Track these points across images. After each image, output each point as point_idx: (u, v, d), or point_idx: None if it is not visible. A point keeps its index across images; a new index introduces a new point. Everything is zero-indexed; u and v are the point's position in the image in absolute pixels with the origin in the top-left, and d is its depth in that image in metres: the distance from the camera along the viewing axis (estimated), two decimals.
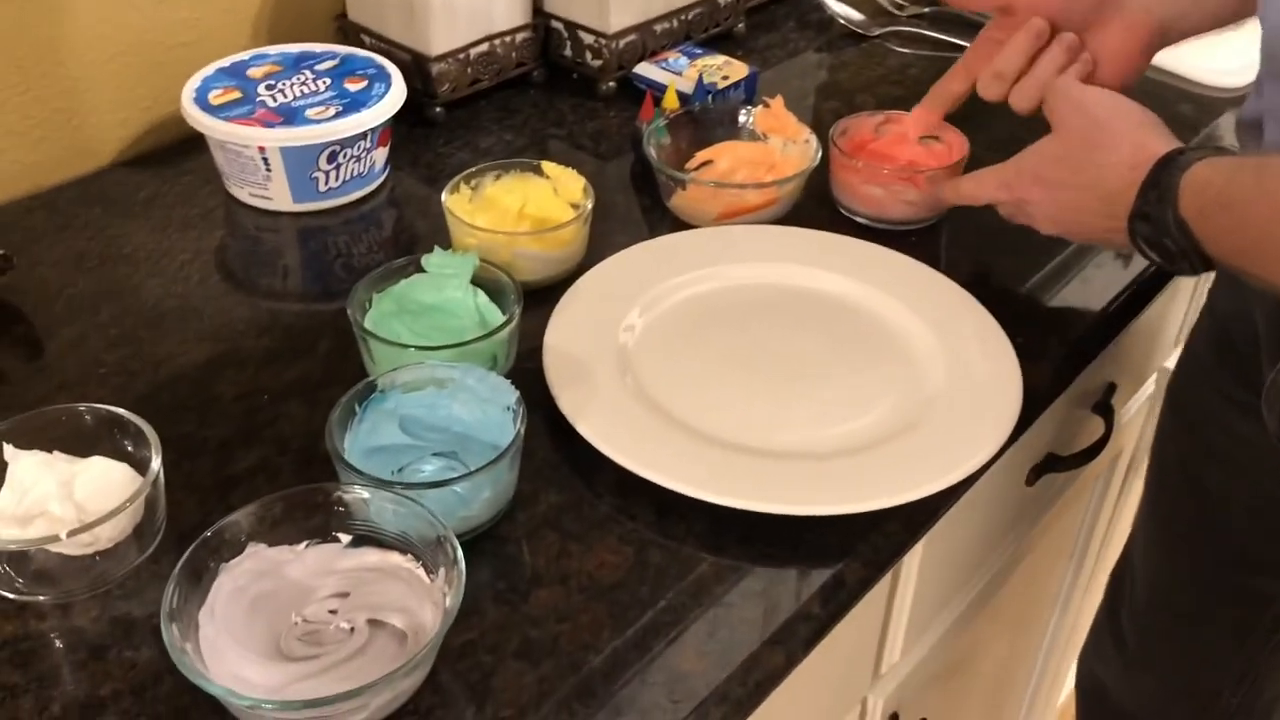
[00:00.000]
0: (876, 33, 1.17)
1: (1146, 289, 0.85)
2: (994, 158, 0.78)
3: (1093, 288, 0.83)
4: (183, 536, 0.61)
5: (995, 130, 0.84)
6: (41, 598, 0.58)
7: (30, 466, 0.59)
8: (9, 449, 0.60)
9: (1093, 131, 0.69)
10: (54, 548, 0.58)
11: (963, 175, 0.80)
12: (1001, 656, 1.09)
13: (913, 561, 0.77)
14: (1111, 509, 1.24)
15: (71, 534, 0.56)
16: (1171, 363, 1.15)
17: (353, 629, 0.55)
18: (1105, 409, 0.98)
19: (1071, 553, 1.23)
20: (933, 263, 0.81)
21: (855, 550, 0.63)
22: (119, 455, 0.62)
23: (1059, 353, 0.77)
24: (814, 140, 0.89)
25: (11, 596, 0.58)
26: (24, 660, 0.56)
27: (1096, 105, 0.70)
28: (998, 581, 0.97)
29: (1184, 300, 1.12)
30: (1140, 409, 1.15)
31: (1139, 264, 0.85)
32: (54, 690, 0.54)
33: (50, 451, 0.61)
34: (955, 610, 0.92)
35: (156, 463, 0.60)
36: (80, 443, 0.62)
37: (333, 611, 0.56)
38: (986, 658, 1.00)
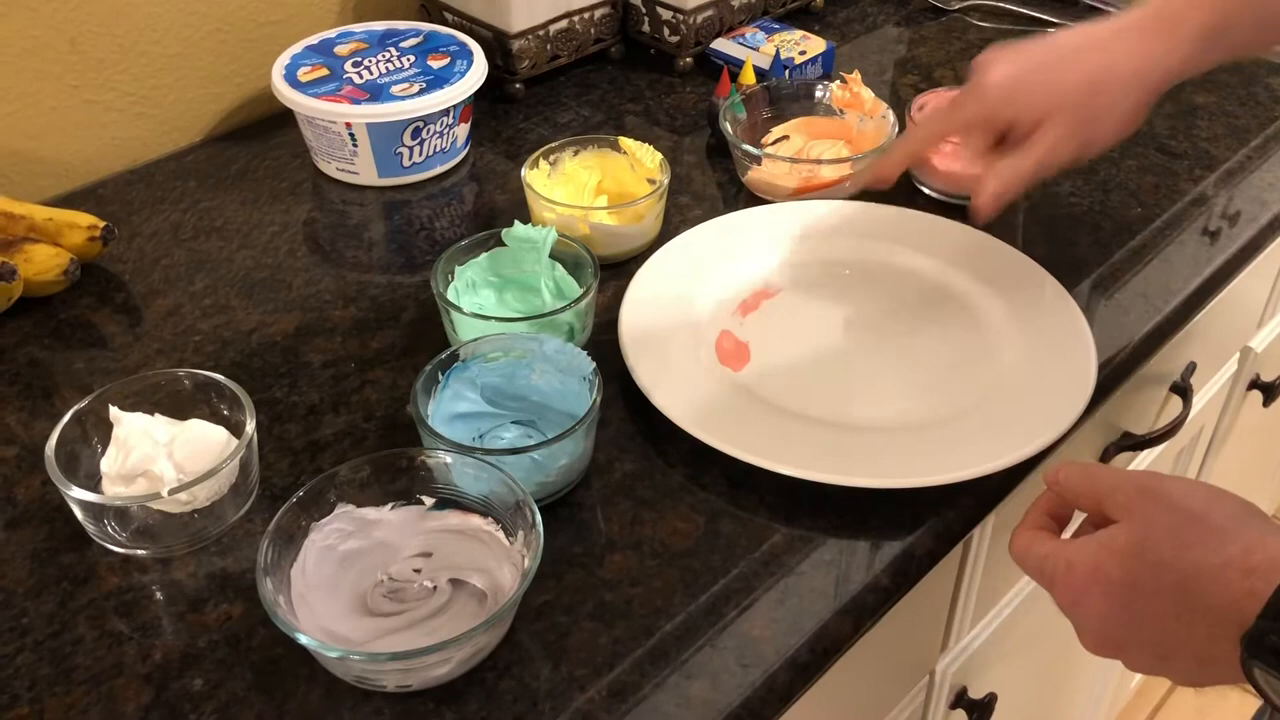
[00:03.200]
0: (956, 6, 1.16)
1: (1228, 268, 0.84)
2: None
3: (1173, 267, 0.82)
4: (275, 496, 0.64)
5: None
6: (143, 552, 0.61)
7: (133, 428, 0.62)
8: (114, 411, 0.63)
9: (1184, 526, 0.50)
10: (155, 505, 0.61)
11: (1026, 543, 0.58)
12: (1074, 639, 1.09)
13: (984, 536, 0.78)
14: None
15: (171, 492, 0.59)
16: (1255, 342, 1.14)
17: (435, 587, 0.57)
18: (1184, 388, 0.97)
19: None
20: (1010, 239, 0.81)
21: (925, 523, 0.64)
22: (215, 418, 0.65)
23: (1136, 331, 0.76)
24: (891, 115, 0.89)
25: (116, 550, 0.61)
26: (127, 610, 0.59)
27: (1186, 495, 0.51)
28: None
29: (1268, 280, 1.10)
30: (1222, 388, 1.14)
31: (1222, 245, 0.84)
32: (155, 639, 0.58)
33: (151, 414, 0.64)
34: (1027, 587, 0.92)
35: (250, 426, 0.62)
36: (179, 406, 0.65)
37: (417, 570, 0.58)
38: (1058, 636, 1.00)
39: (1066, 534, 0.56)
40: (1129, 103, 0.69)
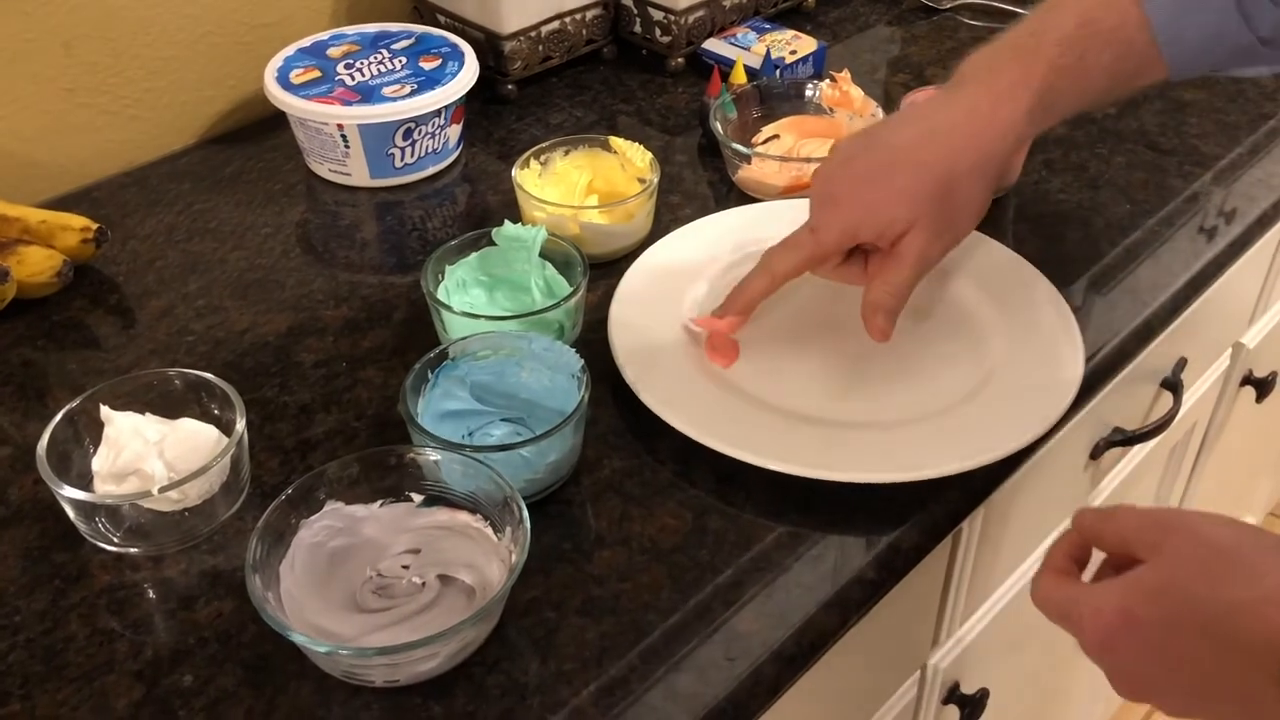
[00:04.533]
0: (948, 6, 1.16)
1: (1217, 264, 0.84)
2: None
3: (1162, 263, 0.82)
4: (265, 494, 0.64)
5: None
6: (135, 550, 0.62)
7: (124, 427, 0.63)
8: (105, 410, 0.63)
9: (1214, 561, 0.48)
10: (146, 503, 0.61)
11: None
12: (1068, 634, 1.09)
13: (973, 530, 0.78)
14: (1184, 484, 1.23)
15: (162, 490, 0.60)
16: (1247, 339, 1.14)
17: (424, 583, 0.57)
18: (1174, 384, 0.98)
19: None
20: (999, 236, 0.81)
21: (912, 517, 0.64)
22: (206, 417, 0.65)
23: (1124, 326, 0.77)
24: (880, 113, 0.89)
25: (108, 548, 0.62)
26: (119, 608, 0.59)
27: (1212, 529, 0.49)
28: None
29: (1259, 276, 1.10)
30: (1214, 384, 1.14)
31: (1211, 241, 0.85)
32: (147, 636, 0.58)
33: (143, 413, 0.64)
34: (1019, 583, 0.92)
35: (241, 425, 0.63)
36: (170, 405, 0.65)
37: (405, 567, 0.59)
38: (1051, 633, 1.00)
39: (1086, 576, 0.55)
40: (977, 192, 0.69)
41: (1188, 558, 0.48)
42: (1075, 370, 0.70)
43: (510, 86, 1.01)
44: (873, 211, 0.68)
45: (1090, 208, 0.87)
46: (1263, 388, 1.19)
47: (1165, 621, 0.48)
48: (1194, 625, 0.47)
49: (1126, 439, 0.93)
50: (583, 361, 0.65)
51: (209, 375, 0.66)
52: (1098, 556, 0.55)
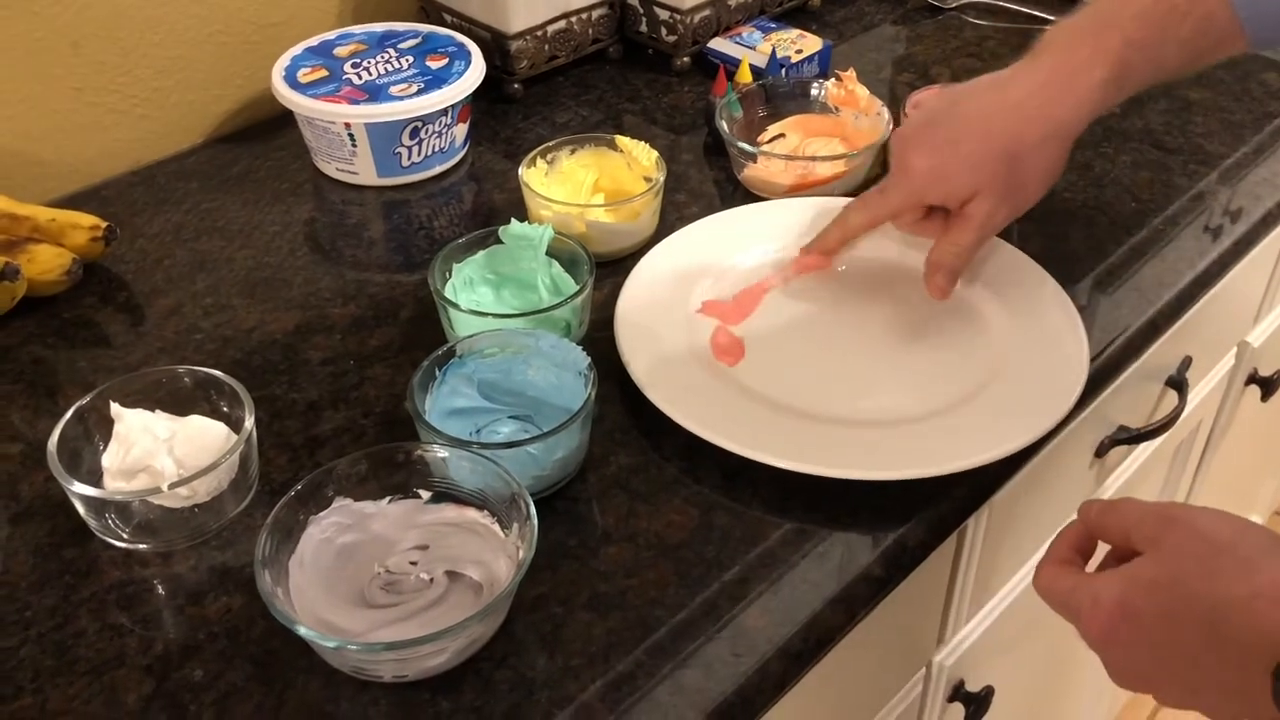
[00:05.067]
0: (953, 5, 1.16)
1: (1222, 263, 0.84)
2: None
3: (1167, 262, 0.82)
4: (274, 491, 0.65)
5: None
6: (144, 546, 0.62)
7: (134, 424, 0.63)
8: (115, 407, 0.64)
9: (1212, 557, 0.49)
10: (155, 499, 0.62)
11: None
12: (1073, 632, 1.09)
13: (979, 528, 0.78)
14: (1190, 482, 1.23)
15: (171, 487, 0.60)
16: (1252, 337, 1.14)
17: (431, 579, 0.58)
18: (1179, 382, 0.98)
19: None
20: (1005, 235, 0.81)
21: (918, 514, 0.64)
22: (215, 415, 0.65)
23: (1129, 324, 0.77)
24: (885, 113, 0.89)
25: (118, 544, 0.62)
26: (129, 603, 0.60)
27: (1212, 525, 0.50)
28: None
29: (1264, 275, 1.10)
30: (1219, 383, 1.14)
31: (1216, 240, 0.85)
32: (156, 631, 0.58)
33: (152, 410, 0.65)
34: (1024, 581, 0.93)
35: (250, 422, 0.63)
36: (179, 402, 0.66)
37: (413, 563, 0.59)
38: (1057, 632, 1.00)
39: (1089, 568, 0.56)
40: (1047, 162, 0.72)
41: (1186, 552, 0.50)
42: (1080, 368, 0.70)
43: (517, 86, 1.01)
44: (939, 178, 0.72)
45: (1095, 206, 0.87)
46: (1268, 387, 1.20)
47: (1162, 613, 0.49)
48: (1190, 618, 0.48)
49: (1131, 437, 0.93)
50: (589, 359, 0.66)
51: (218, 373, 0.66)
52: (1102, 549, 0.56)
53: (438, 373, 0.67)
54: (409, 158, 0.90)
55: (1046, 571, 0.55)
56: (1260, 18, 0.67)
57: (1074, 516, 0.96)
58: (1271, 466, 1.64)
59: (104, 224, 0.81)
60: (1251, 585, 0.47)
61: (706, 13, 1.04)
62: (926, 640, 0.84)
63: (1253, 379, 1.20)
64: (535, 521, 0.56)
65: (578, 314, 0.73)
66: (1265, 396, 1.21)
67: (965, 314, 0.76)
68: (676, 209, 0.87)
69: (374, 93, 0.89)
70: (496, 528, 0.59)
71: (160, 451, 0.62)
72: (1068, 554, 0.56)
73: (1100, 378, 0.74)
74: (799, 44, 1.03)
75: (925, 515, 0.64)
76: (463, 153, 0.95)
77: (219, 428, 0.65)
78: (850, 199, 0.80)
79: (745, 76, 0.95)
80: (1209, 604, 0.47)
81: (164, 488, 0.60)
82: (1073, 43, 0.70)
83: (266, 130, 0.99)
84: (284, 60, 0.93)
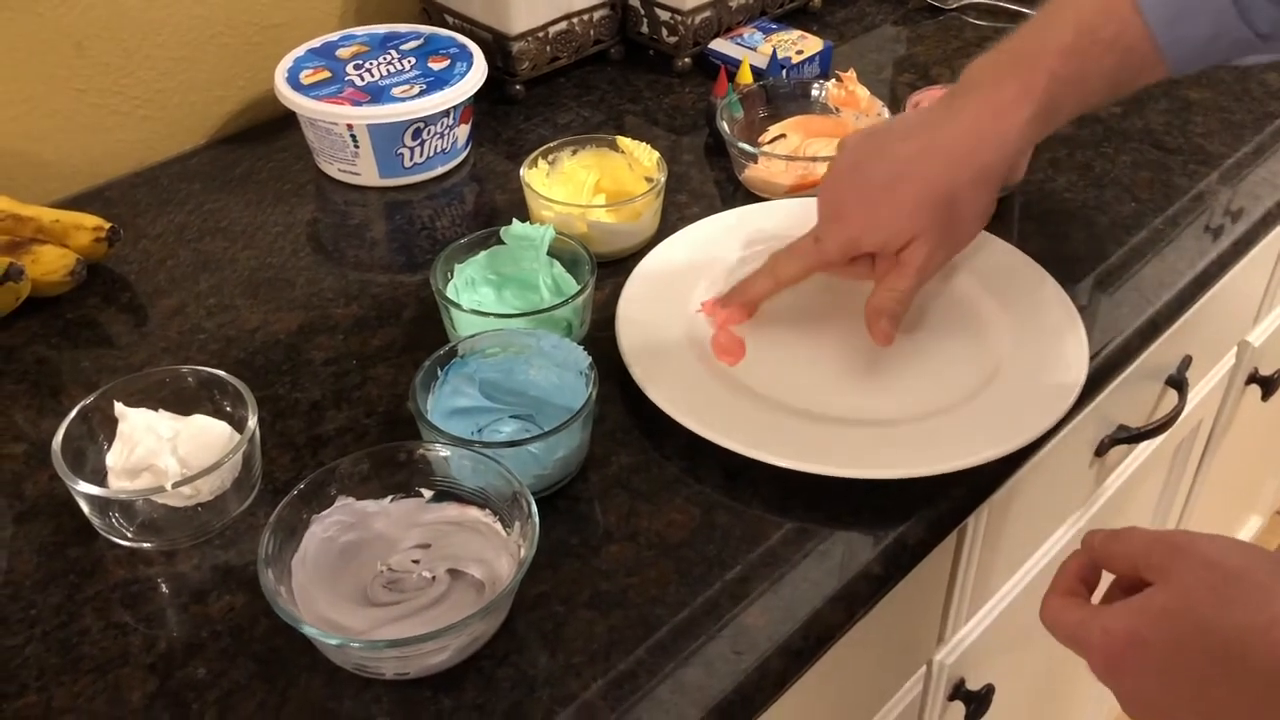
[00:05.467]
0: (954, 5, 1.17)
1: (1222, 262, 0.84)
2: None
3: (1167, 261, 0.83)
4: (277, 490, 0.65)
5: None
6: (148, 545, 0.63)
7: (138, 423, 0.63)
8: (119, 407, 0.64)
9: (1224, 585, 0.48)
10: (159, 498, 0.62)
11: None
12: None
13: (978, 527, 0.79)
14: (1190, 482, 1.23)
15: (175, 486, 0.60)
16: (1252, 337, 1.14)
17: (433, 578, 0.58)
18: (1179, 382, 0.98)
19: (1149, 526, 1.22)
20: (1005, 234, 0.82)
21: (918, 512, 0.64)
22: (218, 414, 0.66)
23: (1129, 324, 0.77)
24: (886, 113, 0.90)
25: (122, 543, 0.63)
26: (133, 602, 0.60)
27: (1222, 552, 0.49)
28: (1070, 552, 0.97)
29: (1265, 275, 1.10)
30: (1219, 382, 1.14)
31: (1216, 240, 0.85)
32: (160, 630, 0.59)
33: (156, 410, 0.65)
34: (1025, 580, 0.93)
35: (253, 421, 0.63)
36: (183, 402, 0.66)
37: (415, 561, 0.59)
38: None
39: (1095, 597, 0.55)
40: (981, 202, 0.71)
41: (1197, 581, 0.48)
42: (1080, 368, 0.70)
43: (518, 87, 1.01)
44: (876, 225, 0.70)
45: (1095, 206, 0.88)
46: (1268, 386, 1.20)
47: (1174, 644, 0.48)
48: (1202, 648, 0.47)
49: (1131, 436, 0.94)
50: (590, 359, 0.66)
51: (221, 372, 0.66)
52: (1107, 578, 0.55)
53: (440, 372, 0.67)
54: (411, 159, 0.91)
55: (1053, 603, 0.55)
56: (1179, 44, 0.67)
57: (1075, 515, 0.97)
58: (1272, 466, 1.64)
59: (107, 225, 0.82)
60: (1266, 614, 0.46)
61: (707, 14, 1.04)
62: (927, 639, 0.84)
63: (1253, 378, 1.20)
64: (537, 520, 0.57)
65: (579, 314, 0.73)
66: (1266, 396, 1.21)
67: (965, 313, 0.76)
68: (677, 209, 0.88)
69: (376, 94, 0.89)
70: (498, 526, 0.60)
71: (164, 451, 0.62)
72: (1073, 585, 0.55)
73: (1100, 377, 0.74)
74: (800, 45, 1.04)
75: (925, 514, 0.64)
76: (464, 153, 0.95)
77: (222, 427, 0.65)
78: (775, 249, 0.76)
79: (746, 77, 0.95)
80: (1223, 633, 0.46)
81: (168, 487, 0.60)
82: (998, 80, 0.68)
83: (269, 131, 0.99)
84: (286, 62, 0.93)
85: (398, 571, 0.59)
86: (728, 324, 0.75)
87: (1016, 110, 0.68)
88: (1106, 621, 0.50)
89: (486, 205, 0.91)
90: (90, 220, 0.81)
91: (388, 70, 0.92)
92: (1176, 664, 0.48)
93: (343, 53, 0.94)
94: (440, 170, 0.93)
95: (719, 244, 0.82)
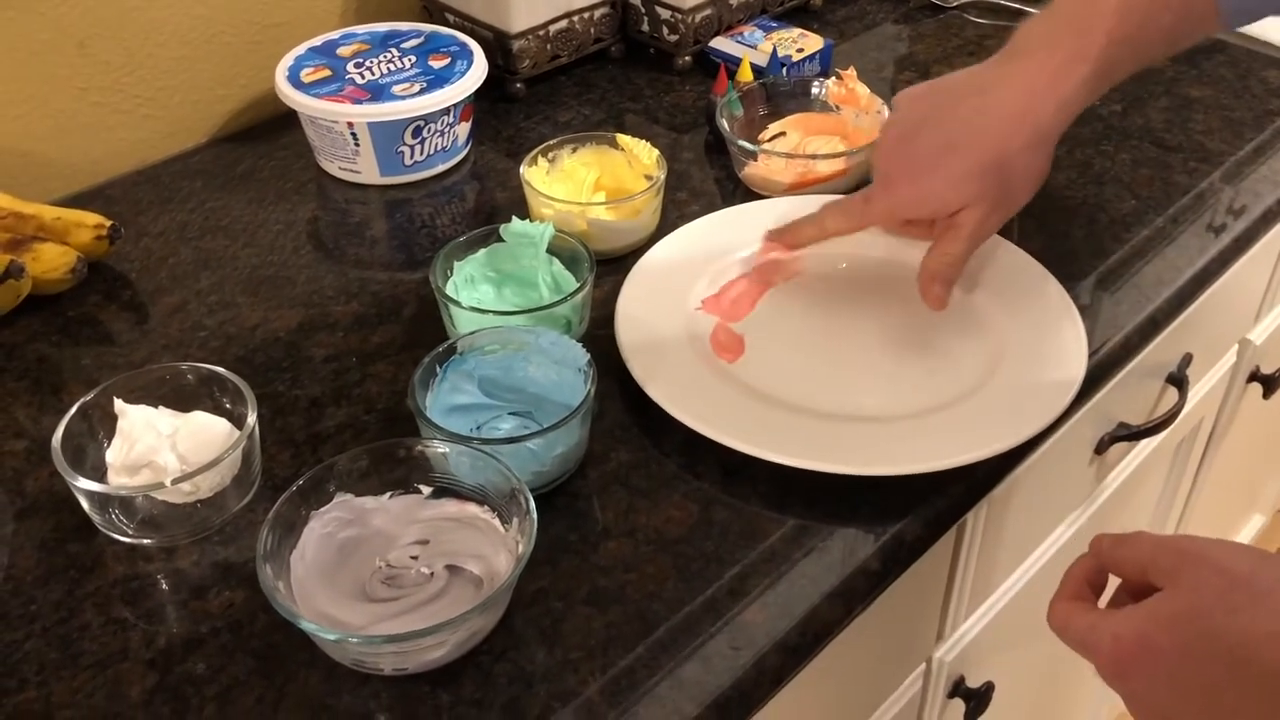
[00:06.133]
0: (954, 3, 1.17)
1: (1222, 260, 0.84)
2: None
3: (1166, 259, 0.83)
4: (276, 487, 0.65)
5: None
6: (148, 541, 0.63)
7: (138, 420, 0.64)
8: (119, 403, 0.64)
9: (1232, 591, 0.48)
10: (159, 495, 0.62)
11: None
12: None
13: (977, 524, 0.79)
14: (1191, 480, 1.23)
15: (175, 482, 0.61)
16: (1254, 335, 1.14)
17: (432, 574, 0.58)
18: (1180, 379, 0.98)
19: (1149, 524, 1.23)
20: (1004, 232, 0.81)
21: (916, 510, 0.64)
22: (218, 411, 0.66)
23: (1128, 321, 0.77)
24: (886, 111, 0.90)
25: (121, 540, 0.63)
26: (133, 597, 0.60)
27: (1231, 557, 0.50)
28: (1070, 549, 0.97)
29: (1266, 272, 1.10)
30: (1220, 380, 1.14)
31: (1216, 237, 0.85)
32: (159, 625, 0.59)
33: (156, 406, 0.65)
34: (1025, 577, 0.93)
35: (252, 418, 0.64)
36: (183, 399, 0.66)
37: (414, 557, 0.59)
38: None
39: (1102, 601, 0.55)
40: (1035, 166, 0.70)
41: (1206, 586, 0.48)
42: (1079, 365, 0.70)
43: (519, 85, 1.02)
44: (924, 197, 0.71)
45: (1095, 204, 0.88)
46: (1269, 384, 1.20)
47: (1183, 650, 0.48)
48: (1212, 654, 0.47)
49: (1131, 434, 0.94)
50: (589, 356, 0.66)
51: (221, 369, 0.66)
52: (1113, 582, 0.55)
53: (439, 369, 0.67)
54: (411, 157, 0.91)
55: (1060, 608, 0.54)
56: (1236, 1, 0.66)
57: (1075, 513, 0.97)
58: (1273, 465, 1.64)
59: (108, 223, 0.82)
60: (1276, 619, 0.46)
61: (708, 12, 1.04)
62: (926, 636, 0.84)
63: (1254, 376, 1.20)
64: (535, 516, 0.57)
65: (578, 311, 0.74)
66: (1267, 394, 1.21)
67: (965, 310, 0.76)
68: (677, 207, 0.88)
69: (377, 92, 0.89)
70: (497, 523, 0.60)
71: (163, 447, 0.63)
72: (1080, 589, 0.55)
73: (1100, 374, 0.74)
74: (800, 43, 1.04)
75: (923, 511, 0.65)
76: (465, 151, 0.95)
77: (222, 424, 0.65)
78: (830, 197, 0.79)
79: (746, 75, 0.96)
80: (1232, 639, 0.46)
81: (167, 483, 0.61)
82: (1053, 41, 0.68)
83: (270, 130, 0.99)
84: (287, 60, 0.93)
85: (396, 567, 0.59)
86: (768, 253, 0.78)
87: (1071, 73, 0.67)
88: (1115, 626, 0.50)
89: (486, 203, 0.91)
90: (91, 218, 0.82)
91: (388, 68, 0.92)
92: (1186, 669, 0.47)
93: (343, 51, 0.95)
94: (440, 168, 0.93)
95: (719, 242, 0.82)
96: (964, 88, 0.71)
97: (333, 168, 0.93)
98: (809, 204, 0.84)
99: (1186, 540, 0.51)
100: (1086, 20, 0.67)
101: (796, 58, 1.02)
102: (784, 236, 0.78)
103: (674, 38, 1.05)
